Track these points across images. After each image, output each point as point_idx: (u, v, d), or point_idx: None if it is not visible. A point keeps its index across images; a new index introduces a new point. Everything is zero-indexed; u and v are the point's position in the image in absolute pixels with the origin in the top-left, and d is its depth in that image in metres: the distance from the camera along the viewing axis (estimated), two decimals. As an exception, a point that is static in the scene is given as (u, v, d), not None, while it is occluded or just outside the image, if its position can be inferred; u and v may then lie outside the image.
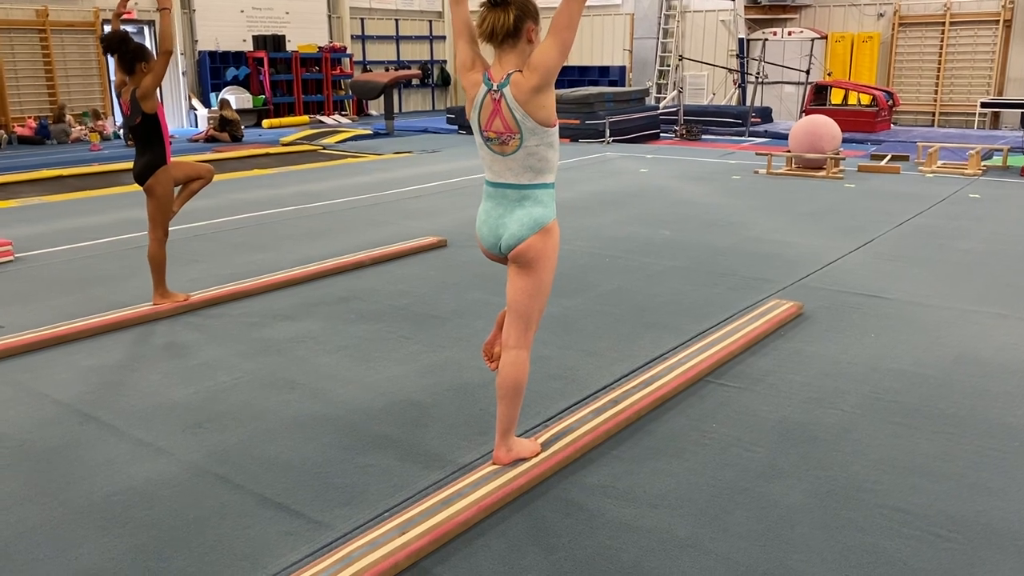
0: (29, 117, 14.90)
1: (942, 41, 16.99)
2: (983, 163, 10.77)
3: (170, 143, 4.91)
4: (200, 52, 17.65)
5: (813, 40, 17.21)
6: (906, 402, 3.67)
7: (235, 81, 17.98)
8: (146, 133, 4.77)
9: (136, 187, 5.28)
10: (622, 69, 20.43)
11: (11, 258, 6.30)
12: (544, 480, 2.99)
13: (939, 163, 10.92)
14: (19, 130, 14.60)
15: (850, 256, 6.27)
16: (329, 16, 20.26)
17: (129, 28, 14.71)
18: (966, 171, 10.40)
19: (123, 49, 4.67)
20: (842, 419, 3.51)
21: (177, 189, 5.04)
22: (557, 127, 2.82)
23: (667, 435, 3.37)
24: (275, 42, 18.46)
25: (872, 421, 3.49)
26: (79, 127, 14.99)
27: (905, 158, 11.49)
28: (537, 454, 3.07)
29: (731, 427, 3.44)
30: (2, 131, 14.22)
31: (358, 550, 2.51)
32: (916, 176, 10.31)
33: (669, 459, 3.17)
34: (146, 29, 16.39)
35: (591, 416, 3.41)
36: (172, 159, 4.90)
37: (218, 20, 17.83)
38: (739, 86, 18.15)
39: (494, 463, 3.02)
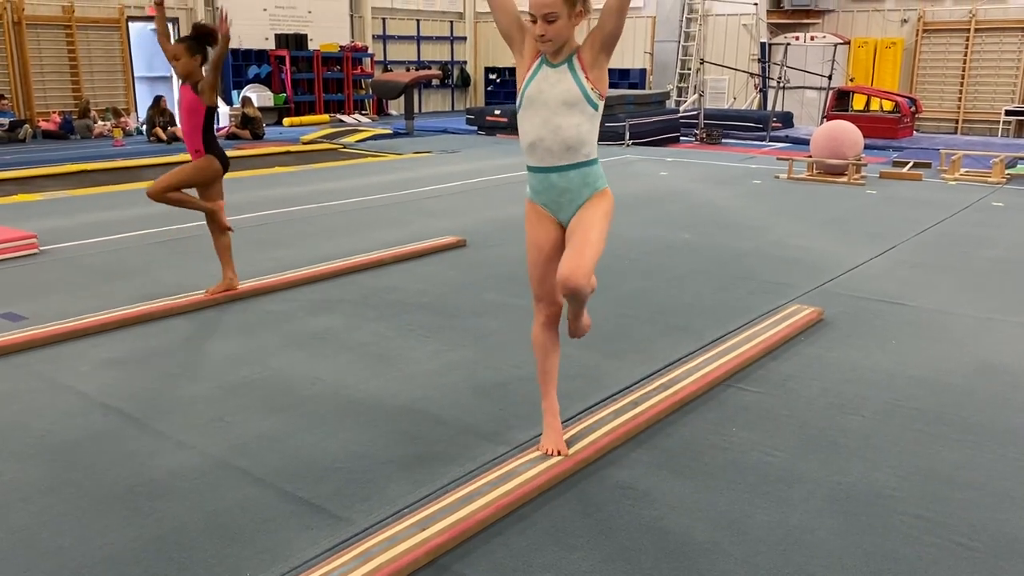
0: (54, 112, 15.07)
1: (967, 48, 16.85)
2: (1007, 171, 10.68)
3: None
4: (223, 50, 17.76)
5: (836, 45, 17.12)
6: (928, 410, 3.65)
7: (257, 79, 18.10)
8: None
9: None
10: (642, 72, 20.40)
11: (36, 251, 6.38)
12: (564, 480, 3.00)
13: (962, 171, 10.82)
14: (44, 124, 14.76)
15: (872, 262, 6.23)
16: (351, 16, 20.36)
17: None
18: (989, 179, 10.31)
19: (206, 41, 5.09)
20: (863, 425, 3.49)
21: (193, 191, 5.12)
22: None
23: (687, 438, 3.36)
24: (297, 41, 18.57)
25: (893, 428, 3.47)
26: (102, 123, 15.13)
27: (927, 165, 11.40)
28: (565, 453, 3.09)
29: (751, 431, 3.43)
30: (27, 125, 14.38)
31: (378, 546, 2.52)
32: (938, 183, 10.23)
33: (688, 462, 3.16)
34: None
35: (611, 417, 3.41)
36: None
37: (241, 18, 17.89)
38: (760, 90, 18.09)
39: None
